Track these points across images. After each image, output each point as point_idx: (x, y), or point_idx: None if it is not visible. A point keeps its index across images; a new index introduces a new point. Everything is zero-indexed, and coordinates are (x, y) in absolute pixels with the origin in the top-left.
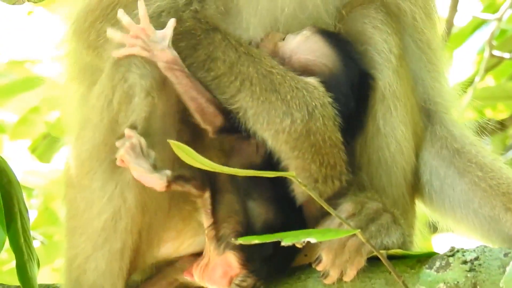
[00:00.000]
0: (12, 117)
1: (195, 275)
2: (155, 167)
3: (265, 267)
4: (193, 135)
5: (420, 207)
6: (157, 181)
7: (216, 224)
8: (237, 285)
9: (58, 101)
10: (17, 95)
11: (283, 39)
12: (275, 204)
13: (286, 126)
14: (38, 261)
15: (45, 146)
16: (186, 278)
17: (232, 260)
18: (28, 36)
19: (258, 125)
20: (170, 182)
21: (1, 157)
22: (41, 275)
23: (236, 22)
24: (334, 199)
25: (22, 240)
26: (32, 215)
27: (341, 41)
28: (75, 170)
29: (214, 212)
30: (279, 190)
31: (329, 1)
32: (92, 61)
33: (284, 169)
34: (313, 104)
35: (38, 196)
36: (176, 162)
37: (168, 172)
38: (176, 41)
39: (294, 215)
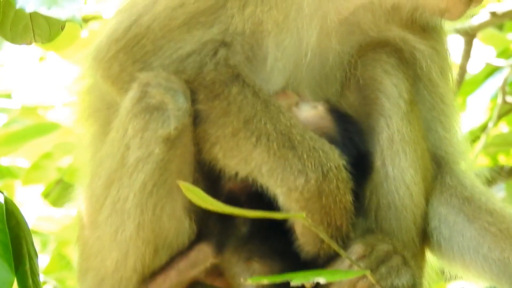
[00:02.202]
0: (25, 162)
1: None
2: None
3: None
4: (208, 184)
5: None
6: None
7: None
8: None
9: (71, 146)
10: (29, 140)
11: (297, 104)
12: (278, 263)
13: (300, 185)
14: None
15: (58, 192)
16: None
17: None
18: (40, 81)
19: (271, 181)
20: None
21: (11, 200)
22: None
23: (261, 67)
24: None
25: (30, 281)
26: (46, 260)
27: (348, 122)
28: (89, 208)
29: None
30: (282, 248)
31: (346, 48)
32: (110, 94)
33: (291, 225)
34: (328, 165)
35: (51, 242)
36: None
37: None
38: (195, 93)
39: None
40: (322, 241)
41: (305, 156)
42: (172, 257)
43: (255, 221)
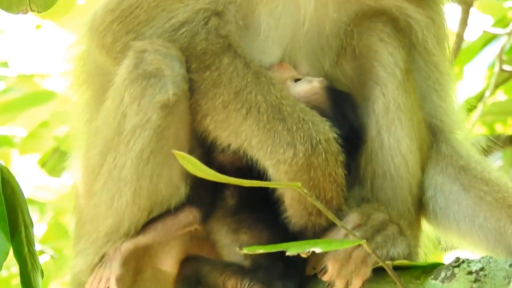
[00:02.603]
0: (21, 131)
1: None
2: None
3: (289, 283)
4: (205, 151)
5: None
6: None
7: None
8: None
9: (68, 115)
10: (26, 109)
11: (293, 78)
12: (265, 235)
13: (288, 158)
14: (42, 272)
15: (55, 161)
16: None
17: None
18: (37, 50)
19: (261, 153)
20: None
21: (7, 169)
22: None
23: (254, 37)
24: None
25: (26, 250)
26: (42, 229)
27: (342, 99)
28: (85, 176)
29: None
30: (269, 220)
31: (343, 17)
32: (104, 63)
33: (280, 196)
34: (318, 138)
35: (47, 211)
36: (186, 180)
37: None
38: (188, 64)
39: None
40: (310, 213)
41: (294, 128)
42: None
43: (242, 195)
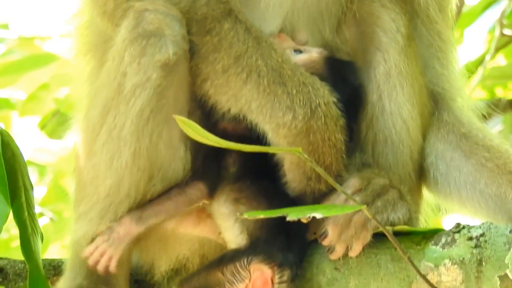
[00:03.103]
0: (22, 94)
1: None
2: None
3: (289, 254)
4: (204, 116)
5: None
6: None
7: (221, 271)
8: (279, 283)
9: (68, 78)
10: (26, 72)
11: (291, 49)
12: (264, 205)
13: (288, 121)
14: (42, 235)
15: (55, 123)
16: None
17: (258, 267)
18: (37, 12)
19: (260, 117)
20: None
21: (6, 132)
22: (50, 252)
23: (255, 4)
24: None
25: (26, 214)
26: (42, 192)
27: (342, 65)
28: (85, 137)
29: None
30: (269, 190)
31: None
32: (106, 31)
33: (279, 161)
34: (317, 102)
35: (47, 173)
36: (186, 142)
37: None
38: (188, 27)
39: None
40: (309, 178)
41: (294, 92)
42: (168, 190)
43: (244, 162)
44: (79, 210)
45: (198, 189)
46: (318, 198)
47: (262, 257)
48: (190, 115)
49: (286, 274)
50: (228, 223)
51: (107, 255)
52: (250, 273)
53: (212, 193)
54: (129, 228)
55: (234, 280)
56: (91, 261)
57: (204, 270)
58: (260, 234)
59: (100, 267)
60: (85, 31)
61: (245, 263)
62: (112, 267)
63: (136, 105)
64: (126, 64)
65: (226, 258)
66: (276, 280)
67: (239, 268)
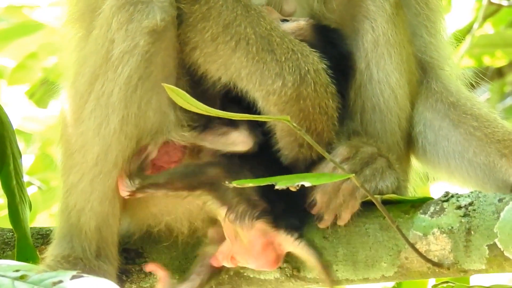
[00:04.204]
0: (10, 62)
1: (224, 262)
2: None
3: (292, 219)
4: (192, 83)
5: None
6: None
7: (230, 207)
8: (289, 237)
9: (56, 46)
10: (14, 40)
11: (280, 20)
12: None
13: (277, 88)
14: (30, 204)
15: (43, 92)
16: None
17: (263, 226)
18: None
19: (250, 85)
20: (134, 191)
21: None
22: (38, 221)
23: None
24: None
25: (14, 182)
26: (29, 160)
27: (329, 31)
28: (73, 105)
29: (222, 200)
30: (266, 162)
31: None
32: (96, 1)
33: (271, 128)
34: (306, 68)
35: (35, 142)
36: (175, 106)
37: (136, 182)
38: None
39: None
40: (301, 145)
41: (283, 59)
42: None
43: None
44: (69, 180)
45: (238, 135)
46: (310, 165)
47: (270, 218)
48: (178, 81)
49: (294, 235)
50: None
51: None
52: (252, 228)
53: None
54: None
55: (238, 220)
56: None
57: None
58: (267, 196)
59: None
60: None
61: (254, 216)
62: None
63: (124, 71)
64: (114, 31)
65: (244, 195)
66: (285, 237)
67: (247, 215)
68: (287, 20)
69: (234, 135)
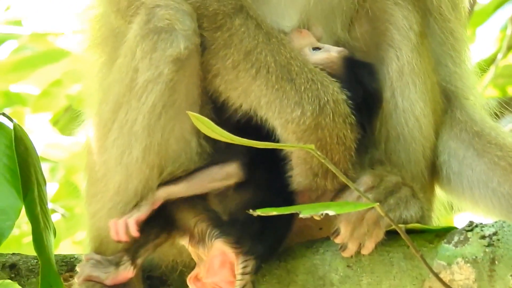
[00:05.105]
0: (34, 90)
1: (195, 285)
2: (118, 263)
3: (259, 245)
4: (215, 110)
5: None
6: (125, 274)
7: (191, 232)
8: (242, 273)
9: (80, 73)
10: (39, 68)
11: (311, 46)
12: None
13: (296, 117)
14: (55, 230)
15: (67, 119)
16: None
17: (222, 246)
18: (50, 8)
19: (270, 113)
20: (134, 265)
21: (19, 126)
22: (62, 248)
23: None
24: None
25: (38, 209)
26: (54, 187)
27: (359, 67)
28: (97, 133)
29: (182, 227)
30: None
31: None
32: (120, 27)
33: (287, 155)
34: (326, 99)
35: (59, 169)
36: (198, 134)
37: (125, 257)
38: (200, 23)
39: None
40: (316, 174)
41: (302, 88)
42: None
43: (256, 157)
44: (91, 208)
45: (229, 168)
46: (322, 195)
47: (230, 239)
48: (201, 109)
49: (251, 265)
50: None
51: (132, 218)
52: (211, 248)
53: (244, 174)
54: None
55: (198, 242)
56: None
57: (190, 202)
58: (239, 218)
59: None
60: (97, 24)
61: (213, 235)
62: (131, 223)
63: (148, 100)
64: (138, 60)
65: (209, 214)
66: (239, 269)
67: (206, 235)
68: (319, 49)
69: (229, 168)
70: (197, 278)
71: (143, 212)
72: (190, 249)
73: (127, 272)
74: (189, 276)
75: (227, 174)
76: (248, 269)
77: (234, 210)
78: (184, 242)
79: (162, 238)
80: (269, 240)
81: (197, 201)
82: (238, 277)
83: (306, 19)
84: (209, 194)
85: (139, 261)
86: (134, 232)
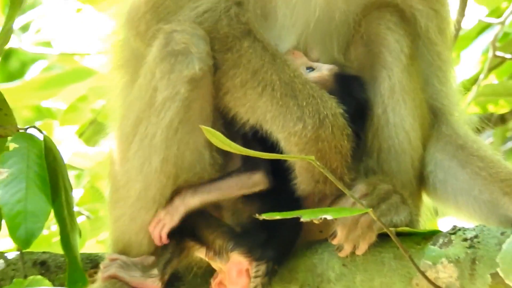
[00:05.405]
0: (62, 105)
1: None
2: (145, 269)
3: (269, 250)
4: (225, 124)
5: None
6: (153, 284)
7: (208, 246)
8: (255, 276)
9: (104, 90)
10: (66, 85)
11: (306, 68)
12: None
13: (298, 130)
14: (80, 231)
15: (92, 131)
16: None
17: (238, 257)
18: (77, 31)
19: (274, 127)
20: (163, 280)
21: (49, 138)
22: (87, 247)
23: (272, 24)
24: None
25: (65, 212)
26: (80, 193)
27: (350, 81)
28: (119, 145)
29: (202, 241)
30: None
31: (352, 7)
32: (139, 49)
33: (291, 165)
34: (325, 113)
35: (85, 176)
36: (210, 147)
37: (156, 272)
38: (212, 45)
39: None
40: (317, 181)
41: (304, 104)
42: (225, 174)
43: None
44: (115, 212)
45: (257, 177)
46: (322, 199)
47: (244, 249)
48: (213, 124)
49: (262, 269)
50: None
51: (161, 223)
52: (228, 260)
53: (269, 182)
54: (183, 200)
55: (217, 255)
56: (152, 233)
57: (208, 219)
58: (250, 229)
59: (154, 237)
60: (119, 48)
61: (229, 249)
62: (164, 236)
63: (166, 116)
64: (157, 80)
65: (223, 229)
66: (252, 273)
67: (223, 249)
68: (312, 69)
69: (256, 176)
70: (222, 283)
71: (174, 222)
72: (208, 260)
73: (155, 285)
74: (215, 282)
75: (254, 182)
76: (260, 272)
77: (245, 222)
78: (201, 254)
79: (185, 253)
80: (279, 245)
81: (212, 218)
82: (252, 280)
83: (305, 42)
84: (222, 210)
85: (166, 276)
86: (164, 239)
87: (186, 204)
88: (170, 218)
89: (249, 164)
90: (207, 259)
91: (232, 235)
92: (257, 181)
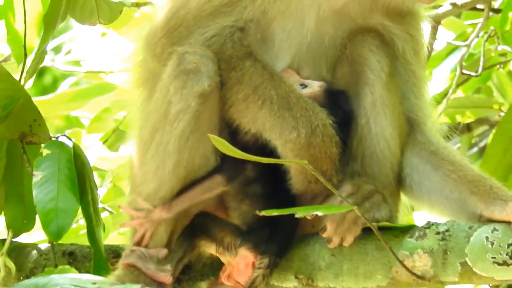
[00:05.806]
0: (89, 115)
1: (227, 283)
2: (160, 262)
3: (272, 245)
4: (230, 133)
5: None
6: (164, 280)
7: (218, 243)
8: (258, 268)
9: (125, 103)
10: (92, 98)
11: (300, 85)
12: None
13: (293, 138)
14: (104, 226)
15: (114, 138)
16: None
17: (244, 252)
18: (102, 52)
19: (272, 135)
20: (174, 275)
21: (77, 145)
22: (110, 239)
23: (270, 47)
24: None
25: (91, 209)
26: (104, 191)
27: (338, 96)
28: (138, 151)
29: (212, 238)
30: (269, 199)
31: (339, 32)
32: (156, 69)
33: (286, 168)
34: (316, 123)
35: (108, 177)
36: (217, 153)
37: (169, 267)
38: (219, 64)
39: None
40: (309, 181)
41: (298, 115)
42: (191, 183)
43: (261, 170)
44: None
45: (217, 180)
46: (314, 197)
47: (250, 245)
48: (220, 133)
49: (265, 262)
50: (235, 214)
51: (143, 227)
52: (237, 254)
53: (229, 183)
54: (159, 214)
55: (226, 251)
56: (127, 225)
57: (215, 220)
58: (254, 226)
59: (137, 236)
60: (139, 68)
61: (237, 245)
62: (146, 239)
63: (179, 126)
64: (171, 95)
65: (230, 228)
66: (256, 265)
67: (232, 245)
68: (305, 85)
69: (215, 180)
70: (230, 276)
71: (151, 228)
72: (218, 255)
73: (166, 279)
74: (224, 275)
75: (214, 184)
76: (263, 264)
77: (251, 221)
78: (211, 251)
79: (195, 251)
80: (280, 240)
81: (219, 220)
82: (255, 271)
83: (298, 62)
84: (230, 210)
85: (177, 272)
86: (146, 242)
87: (161, 217)
88: (149, 227)
89: (214, 170)
90: (217, 254)
91: (239, 233)
92: (216, 183)
